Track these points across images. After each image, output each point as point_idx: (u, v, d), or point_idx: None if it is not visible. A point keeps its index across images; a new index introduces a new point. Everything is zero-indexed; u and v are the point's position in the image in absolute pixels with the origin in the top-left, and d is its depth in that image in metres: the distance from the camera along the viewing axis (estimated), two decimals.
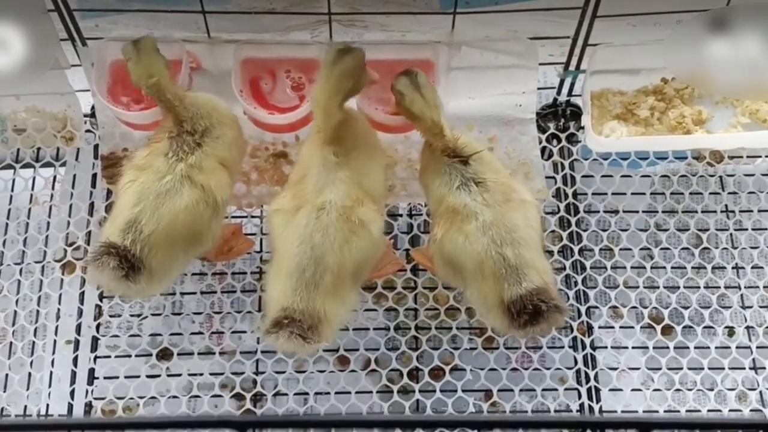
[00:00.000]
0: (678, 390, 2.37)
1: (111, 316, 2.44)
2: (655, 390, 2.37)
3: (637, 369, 2.39)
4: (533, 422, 1.24)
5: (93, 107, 2.57)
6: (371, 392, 2.35)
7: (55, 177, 2.59)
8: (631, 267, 2.45)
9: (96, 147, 2.56)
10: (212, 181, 2.13)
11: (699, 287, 2.44)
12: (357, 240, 2.07)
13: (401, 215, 2.54)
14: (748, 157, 2.58)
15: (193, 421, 1.42)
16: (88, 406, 2.34)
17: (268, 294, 2.09)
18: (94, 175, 2.53)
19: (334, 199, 2.08)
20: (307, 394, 2.37)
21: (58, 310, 2.44)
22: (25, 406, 2.37)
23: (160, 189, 2.08)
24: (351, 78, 2.11)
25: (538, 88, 2.56)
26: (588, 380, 2.35)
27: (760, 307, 2.46)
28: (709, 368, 2.37)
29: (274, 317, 2.03)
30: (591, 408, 2.32)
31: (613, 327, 2.42)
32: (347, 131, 2.15)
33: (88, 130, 2.59)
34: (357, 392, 2.33)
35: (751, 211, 2.54)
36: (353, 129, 2.18)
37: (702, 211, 2.53)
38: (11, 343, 2.42)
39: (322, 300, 2.03)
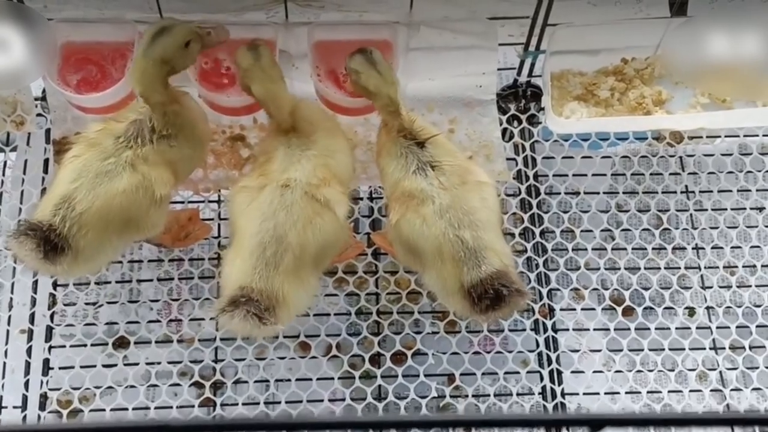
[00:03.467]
0: (639, 371, 2.38)
1: (65, 305, 2.40)
2: (616, 371, 2.38)
3: (599, 351, 2.40)
4: (485, 421, 1.21)
5: (44, 91, 2.50)
6: (333, 378, 2.33)
7: (5, 163, 2.53)
8: (593, 248, 2.44)
9: (48, 131, 2.50)
10: (154, 174, 2.08)
11: (660, 268, 2.45)
12: (321, 222, 2.03)
13: (362, 198, 2.51)
14: (707, 137, 2.58)
15: (127, 427, 1.38)
16: (44, 397, 2.29)
17: (226, 273, 2.05)
18: (46, 161, 2.47)
19: (300, 177, 2.05)
20: (267, 381, 2.34)
21: (11, 299, 2.38)
22: None
23: (100, 169, 2.04)
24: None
25: (499, 69, 2.54)
26: (550, 363, 2.35)
27: (720, 287, 2.47)
28: (670, 349, 2.38)
29: (231, 295, 1.98)
30: (553, 390, 2.32)
31: (574, 309, 2.42)
32: (302, 121, 2.12)
33: (39, 114, 2.52)
34: (318, 378, 2.31)
35: (711, 191, 2.55)
36: (308, 116, 2.15)
37: (662, 192, 2.53)
38: None
39: (282, 281, 1.99)
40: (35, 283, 2.37)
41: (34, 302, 2.36)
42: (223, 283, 2.06)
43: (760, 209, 2.54)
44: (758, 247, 2.51)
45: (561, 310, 2.42)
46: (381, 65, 2.13)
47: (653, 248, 2.47)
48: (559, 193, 2.50)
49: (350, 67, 2.15)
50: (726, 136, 2.58)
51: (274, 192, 2.03)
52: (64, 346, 2.33)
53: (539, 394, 2.34)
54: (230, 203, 2.12)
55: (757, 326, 2.41)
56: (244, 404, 2.31)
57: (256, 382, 2.33)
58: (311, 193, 2.04)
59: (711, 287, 2.47)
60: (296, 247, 2.00)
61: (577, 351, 2.38)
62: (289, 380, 2.31)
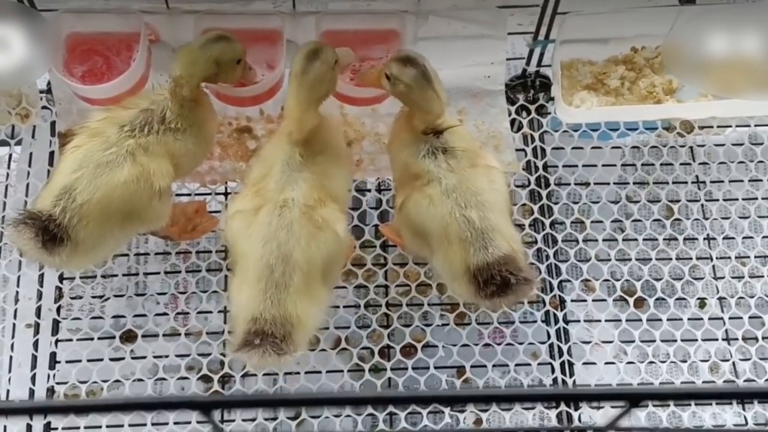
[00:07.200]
0: (651, 362, 2.36)
1: (72, 298, 2.38)
2: (628, 363, 2.36)
3: (610, 342, 2.38)
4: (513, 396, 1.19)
5: (49, 83, 2.47)
6: (342, 371, 2.31)
7: (10, 156, 2.51)
8: (603, 240, 2.42)
9: (53, 124, 2.48)
10: (153, 165, 2.04)
11: (671, 259, 2.43)
12: (323, 236, 2.00)
13: (369, 190, 2.49)
14: (718, 126, 2.56)
15: (157, 402, 1.36)
16: (50, 391, 2.27)
17: (235, 302, 2.00)
18: (52, 153, 2.45)
19: (297, 197, 2.00)
20: (276, 374, 2.32)
21: (17, 292, 2.36)
22: None
23: (101, 159, 2.01)
24: (323, 83, 2.03)
25: (507, 59, 2.52)
26: (561, 354, 2.32)
27: (732, 277, 2.45)
28: (682, 340, 2.36)
29: (245, 333, 1.93)
30: (564, 382, 2.30)
31: (585, 300, 2.40)
32: (317, 135, 2.07)
33: (44, 107, 2.50)
34: (328, 371, 2.29)
35: (722, 181, 2.53)
36: (324, 135, 2.10)
37: (673, 182, 2.51)
38: None
39: (294, 301, 1.94)
40: (41, 276, 2.35)
41: (40, 296, 2.34)
42: (234, 312, 2.01)
43: None
44: None
45: (572, 301, 2.40)
46: (436, 83, 2.04)
47: (664, 239, 2.45)
48: (569, 184, 2.48)
49: (400, 78, 2.04)
50: (737, 126, 2.56)
51: (273, 213, 1.99)
52: (70, 340, 2.31)
53: (551, 386, 2.32)
54: (227, 229, 2.06)
55: None
56: (249, 395, 2.28)
57: (264, 375, 2.31)
58: (308, 214, 1.99)
59: (723, 278, 2.45)
60: (303, 263, 1.96)
61: (589, 342, 2.36)
62: (298, 373, 2.29)
